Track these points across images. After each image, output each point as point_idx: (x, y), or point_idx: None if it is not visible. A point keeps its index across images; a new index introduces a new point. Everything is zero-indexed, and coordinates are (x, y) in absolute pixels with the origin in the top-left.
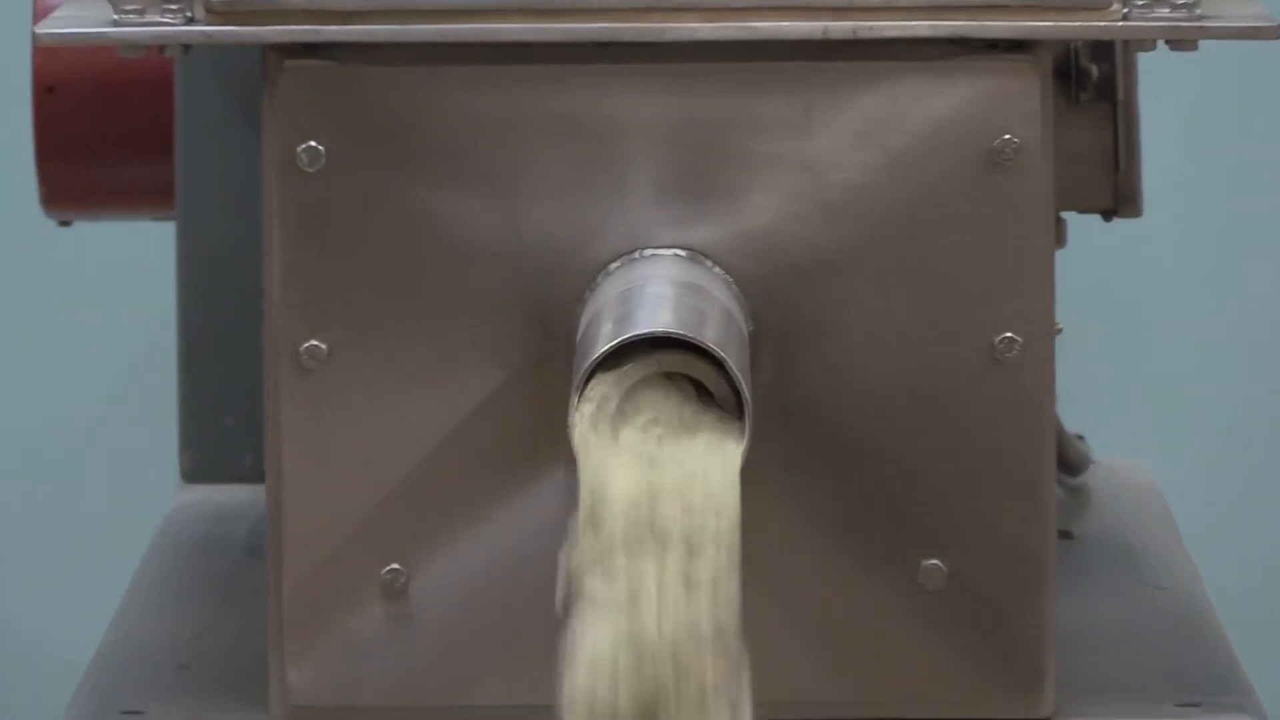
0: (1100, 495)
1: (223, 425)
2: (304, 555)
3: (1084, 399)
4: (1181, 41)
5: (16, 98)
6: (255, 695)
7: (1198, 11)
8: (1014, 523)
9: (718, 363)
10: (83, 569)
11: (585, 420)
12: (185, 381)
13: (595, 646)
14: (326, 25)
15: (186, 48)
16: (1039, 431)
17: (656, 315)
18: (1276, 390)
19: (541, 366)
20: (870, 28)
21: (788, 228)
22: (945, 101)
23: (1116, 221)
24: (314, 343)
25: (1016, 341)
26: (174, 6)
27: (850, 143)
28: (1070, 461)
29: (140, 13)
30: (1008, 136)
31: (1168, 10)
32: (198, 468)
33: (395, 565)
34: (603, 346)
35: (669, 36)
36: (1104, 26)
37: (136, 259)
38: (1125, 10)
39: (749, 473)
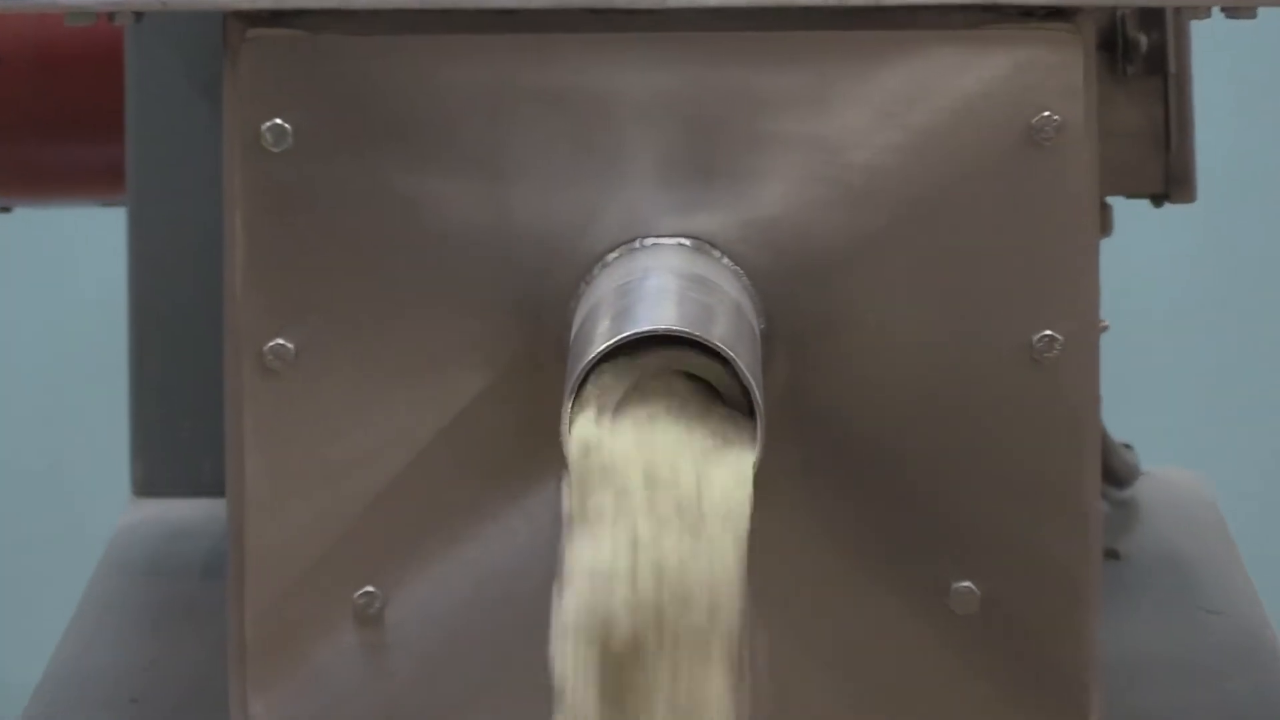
0: (1150, 510)
1: (178, 432)
2: (268, 577)
3: (1131, 403)
4: (1239, 9)
5: None
6: None
7: None
8: (1054, 541)
9: (726, 363)
10: (22, 592)
11: (579, 427)
12: (137, 384)
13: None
14: None
15: (139, 15)
16: (1082, 439)
17: (659, 311)
18: None
19: (531, 368)
20: None
21: (803, 214)
22: (977, 75)
23: (1166, 207)
24: (280, 341)
25: (1057, 340)
26: None
27: (872, 121)
28: (1116, 472)
29: None
30: (1047, 113)
31: None
32: (150, 479)
33: (369, 588)
34: (599, 346)
35: (671, 2)
36: None
37: (83, 248)
38: None
39: (760, 485)
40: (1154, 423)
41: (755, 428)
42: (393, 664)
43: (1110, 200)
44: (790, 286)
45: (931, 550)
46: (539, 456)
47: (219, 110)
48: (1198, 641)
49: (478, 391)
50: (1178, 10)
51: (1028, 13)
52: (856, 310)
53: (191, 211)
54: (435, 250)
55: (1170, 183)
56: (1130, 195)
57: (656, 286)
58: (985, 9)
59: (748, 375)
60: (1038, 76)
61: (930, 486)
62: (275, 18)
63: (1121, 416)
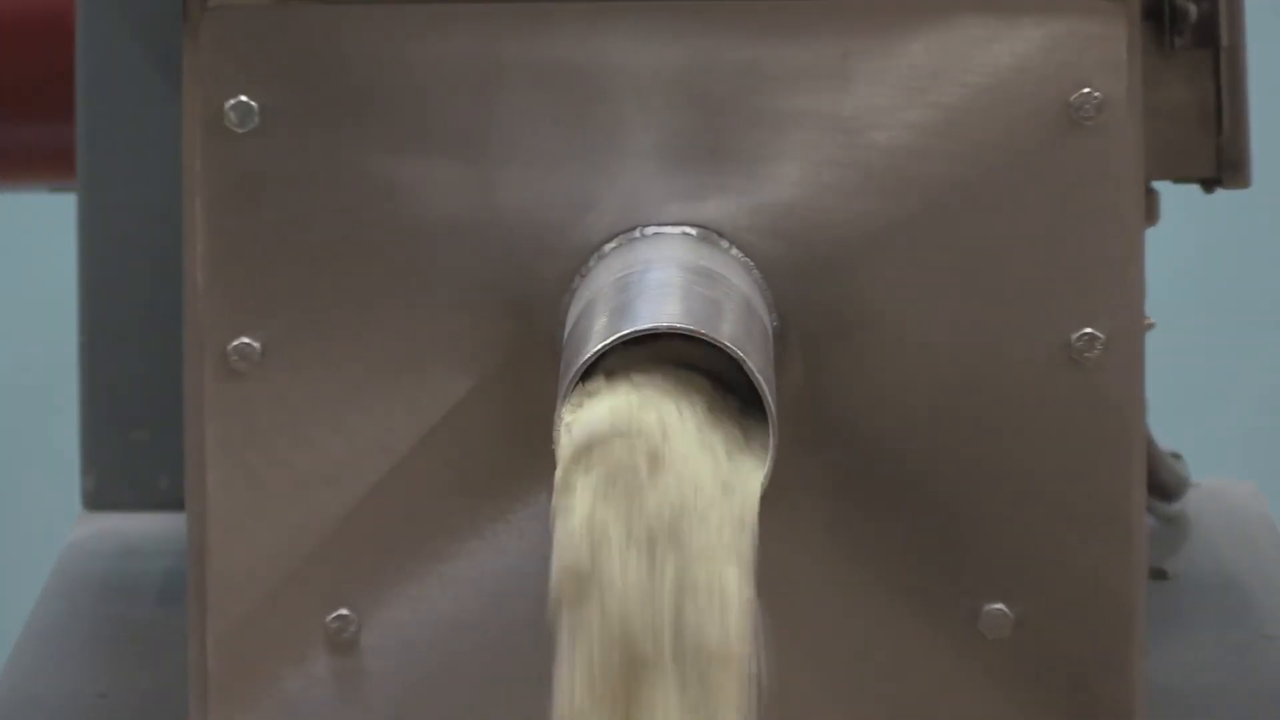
0: (1200, 525)
1: (132, 440)
2: (232, 599)
3: (1180, 408)
4: None
5: None
6: None
7: None
8: (1095, 559)
9: (735, 364)
10: None
11: (574, 432)
12: (88, 388)
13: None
14: None
15: None
16: (1125, 447)
17: (661, 307)
18: None
19: (521, 369)
20: None
21: (819, 201)
22: (1012, 48)
23: (1219, 193)
24: (245, 340)
25: (1098, 339)
26: None
27: (896, 98)
28: (1164, 484)
29: None
30: (1088, 90)
31: None
32: (102, 491)
33: (343, 611)
34: (595, 344)
35: None
36: None
37: (29, 238)
38: None
39: (773, 497)
40: (1205, 430)
41: (768, 432)
42: (368, 694)
43: (1156, 185)
44: (805, 280)
45: (960, 569)
46: (529, 466)
47: (178, 87)
48: (1254, 669)
49: (462, 395)
50: None
51: None
52: (878, 306)
53: (148, 198)
54: (415, 240)
55: (1222, 166)
56: (1178, 180)
57: (659, 280)
58: None
59: (759, 377)
60: (1077, 49)
61: (959, 500)
62: None
63: (1169, 423)
